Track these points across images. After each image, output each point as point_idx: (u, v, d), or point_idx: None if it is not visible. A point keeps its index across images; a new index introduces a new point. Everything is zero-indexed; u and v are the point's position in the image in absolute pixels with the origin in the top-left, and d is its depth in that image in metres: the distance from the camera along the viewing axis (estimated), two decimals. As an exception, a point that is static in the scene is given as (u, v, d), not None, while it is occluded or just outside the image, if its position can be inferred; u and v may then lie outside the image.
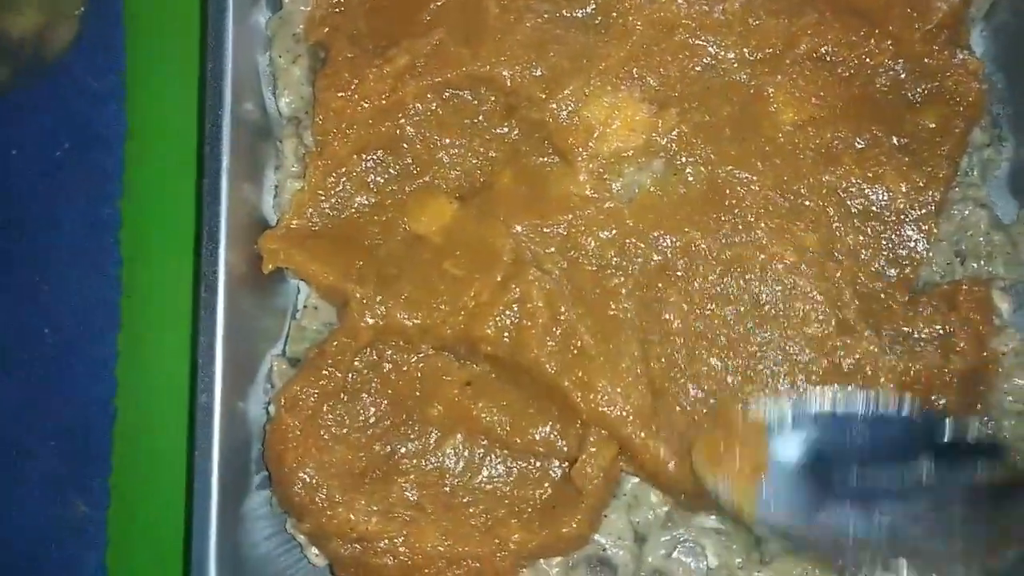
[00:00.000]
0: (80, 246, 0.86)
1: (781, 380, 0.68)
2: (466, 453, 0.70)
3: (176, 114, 0.86)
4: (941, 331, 0.68)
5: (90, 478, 0.84)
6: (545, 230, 0.71)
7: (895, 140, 0.71)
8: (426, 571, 0.68)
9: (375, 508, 0.69)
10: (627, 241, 0.70)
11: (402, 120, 0.73)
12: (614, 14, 0.73)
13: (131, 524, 0.84)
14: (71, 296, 0.86)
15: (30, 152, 0.87)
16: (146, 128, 0.87)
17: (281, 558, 0.73)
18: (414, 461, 0.70)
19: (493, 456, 0.70)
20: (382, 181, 0.73)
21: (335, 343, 0.70)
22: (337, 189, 0.73)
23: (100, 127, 0.86)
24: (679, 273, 0.70)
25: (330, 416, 0.70)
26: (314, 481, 0.69)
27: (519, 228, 0.71)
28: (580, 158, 0.71)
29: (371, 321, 0.70)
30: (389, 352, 0.71)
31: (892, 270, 0.70)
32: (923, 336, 0.68)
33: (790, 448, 0.63)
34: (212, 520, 0.68)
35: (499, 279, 0.70)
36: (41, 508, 0.85)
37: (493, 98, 0.74)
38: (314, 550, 0.71)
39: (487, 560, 0.68)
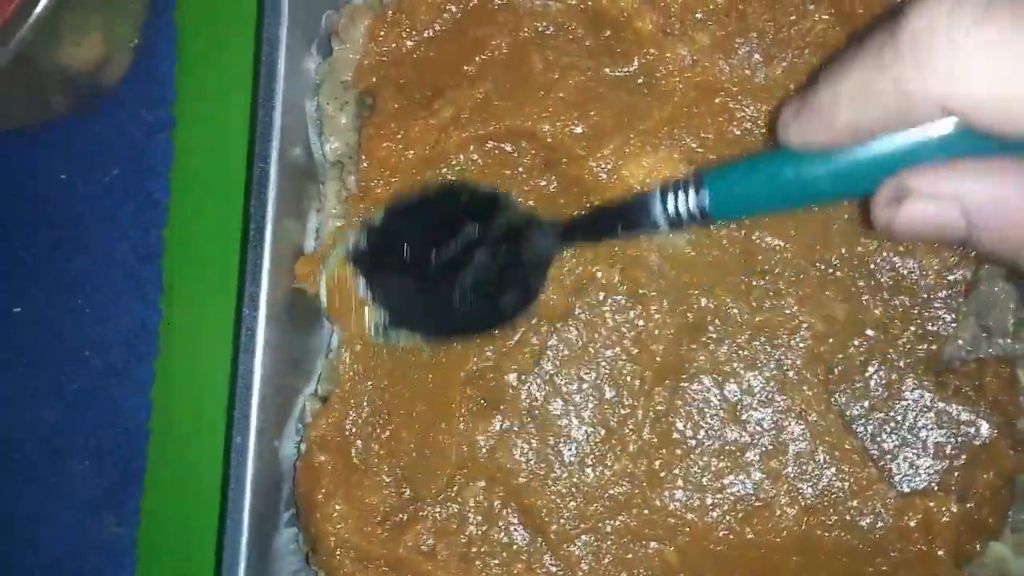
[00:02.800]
0: (124, 271, 0.88)
1: (796, 446, 0.70)
2: (485, 503, 0.71)
3: (224, 147, 0.87)
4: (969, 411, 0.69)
5: (123, 498, 0.86)
6: (584, 282, 0.72)
7: (928, 216, 0.71)
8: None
9: (395, 550, 0.70)
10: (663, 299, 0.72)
11: (444, 169, 0.74)
12: (657, 75, 0.74)
13: (160, 545, 0.86)
14: (113, 319, 0.88)
15: (79, 177, 0.89)
16: (193, 160, 0.89)
17: (305, 593, 0.75)
18: (436, 508, 0.71)
19: (509, 509, 0.71)
20: (420, 226, 0.74)
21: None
22: (377, 230, 0.74)
23: (149, 156, 0.88)
24: (711, 334, 0.71)
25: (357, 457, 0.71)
26: (337, 518, 0.71)
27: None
28: (617, 216, 0.72)
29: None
30: (417, 394, 0.72)
31: (920, 345, 0.70)
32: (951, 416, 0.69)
33: None
34: (242, 555, 0.69)
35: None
36: (74, 525, 0.87)
37: (533, 152, 0.74)
38: (335, 587, 0.73)
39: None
